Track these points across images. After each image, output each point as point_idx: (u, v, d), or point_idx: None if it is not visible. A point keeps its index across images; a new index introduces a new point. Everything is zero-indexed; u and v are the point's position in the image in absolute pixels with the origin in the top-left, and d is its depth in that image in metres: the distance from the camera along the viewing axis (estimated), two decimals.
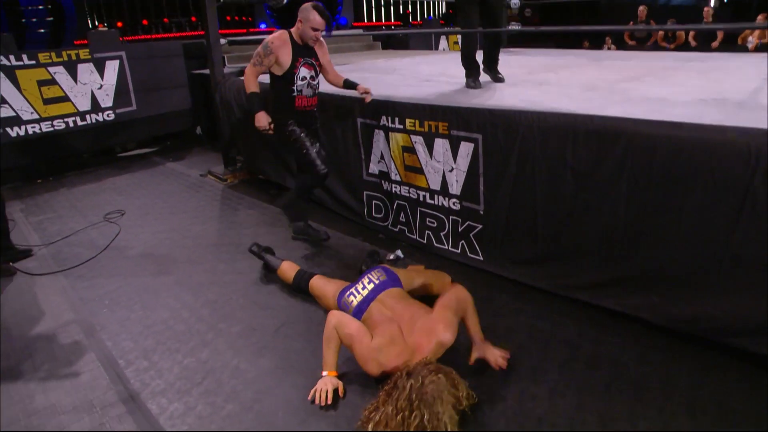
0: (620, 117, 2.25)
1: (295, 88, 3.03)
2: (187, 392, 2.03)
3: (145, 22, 10.39)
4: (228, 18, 11.34)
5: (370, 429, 1.69)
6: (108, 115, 5.36)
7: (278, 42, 2.95)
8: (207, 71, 5.79)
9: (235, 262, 3.12)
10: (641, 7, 8.64)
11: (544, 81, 3.73)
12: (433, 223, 3.11)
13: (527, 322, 2.42)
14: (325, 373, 2.01)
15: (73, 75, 5.02)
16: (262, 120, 3.04)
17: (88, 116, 5.19)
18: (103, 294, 2.82)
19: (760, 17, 8.24)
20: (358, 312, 2.19)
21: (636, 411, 1.85)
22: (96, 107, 5.25)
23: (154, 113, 5.76)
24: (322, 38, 3.07)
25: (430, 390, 1.65)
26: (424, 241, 3.20)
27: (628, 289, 2.32)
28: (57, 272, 3.08)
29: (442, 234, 3.09)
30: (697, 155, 2.01)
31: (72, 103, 5.06)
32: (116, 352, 2.32)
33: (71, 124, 5.07)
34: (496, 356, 2.06)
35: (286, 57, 2.96)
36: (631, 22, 8.74)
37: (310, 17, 2.91)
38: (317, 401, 1.94)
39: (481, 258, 2.92)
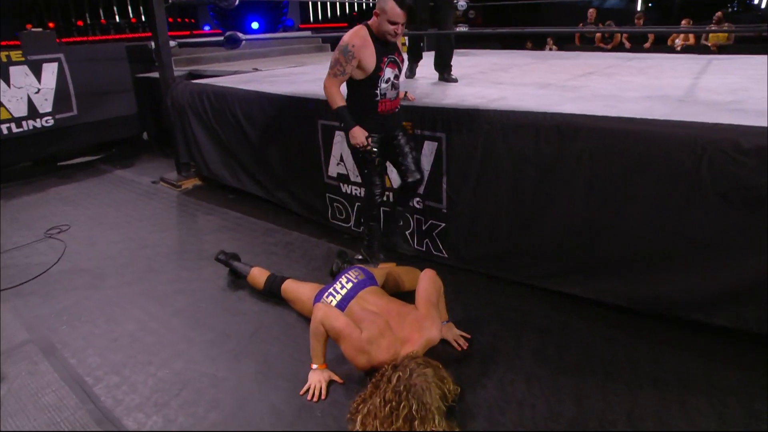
0: (579, 114, 2.38)
1: (378, 92, 2.56)
2: (166, 405, 1.97)
3: (80, 23, 9.86)
4: (171, 20, 10.95)
5: (358, 420, 1.71)
6: (47, 121, 5.06)
7: (359, 42, 2.45)
8: (153, 75, 5.62)
9: (199, 269, 3.04)
10: (591, 10, 9.11)
11: (499, 80, 3.86)
12: (400, 222, 3.15)
13: (498, 313, 2.51)
14: (315, 366, 2.02)
15: (5, 78, 4.70)
16: (359, 136, 2.53)
17: (24, 123, 4.88)
18: (60, 310, 2.67)
19: (684, 22, 8.88)
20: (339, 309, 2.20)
21: (607, 387, 1.97)
22: (33, 113, 4.93)
23: (97, 119, 5.48)
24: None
25: (418, 382, 1.69)
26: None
27: (592, 275, 2.45)
28: (5, 289, 2.89)
29: (407, 233, 3.14)
30: (649, 147, 2.16)
31: (5, 108, 4.74)
32: (82, 369, 2.21)
33: (5, 131, 4.74)
34: (457, 336, 2.22)
35: (369, 58, 2.48)
36: (581, 24, 9.16)
37: (387, 8, 2.41)
38: (310, 397, 1.94)
39: (446, 255, 2.99)
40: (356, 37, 2.47)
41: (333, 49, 2.59)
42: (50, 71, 5.03)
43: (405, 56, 2.87)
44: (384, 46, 2.53)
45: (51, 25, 9.46)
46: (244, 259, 2.93)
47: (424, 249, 3.09)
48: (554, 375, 2.06)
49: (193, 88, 4.32)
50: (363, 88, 2.56)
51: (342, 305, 2.20)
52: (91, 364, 2.24)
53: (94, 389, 2.08)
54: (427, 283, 2.16)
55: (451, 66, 3.86)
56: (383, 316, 2.06)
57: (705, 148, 2.04)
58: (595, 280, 2.44)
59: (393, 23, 2.44)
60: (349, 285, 2.27)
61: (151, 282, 2.91)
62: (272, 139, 3.70)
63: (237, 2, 4.36)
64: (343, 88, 2.58)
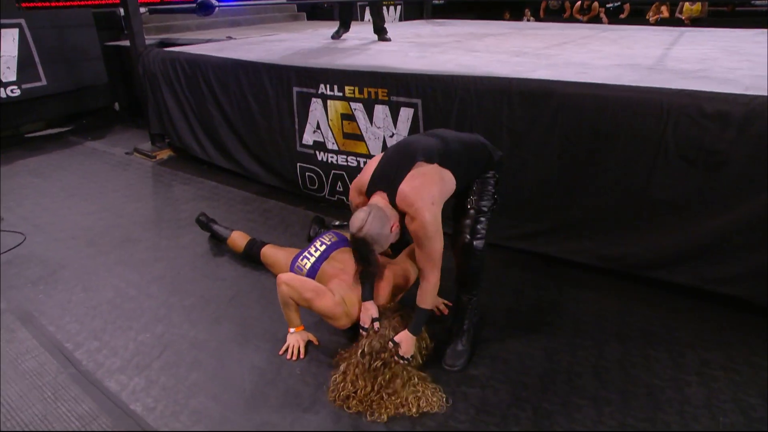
0: (551, 79, 2.43)
1: None
2: (147, 367, 2.00)
3: None
4: None
5: (342, 366, 1.81)
6: (12, 91, 4.89)
7: None
8: (123, 43, 5.44)
9: (177, 237, 3.04)
10: None
11: (474, 48, 3.87)
12: None
13: None
14: (292, 329, 2.07)
15: None
16: None
17: None
18: (36, 279, 2.65)
19: None
20: (312, 272, 2.25)
21: (575, 342, 2.08)
22: None
23: (66, 89, 5.31)
24: None
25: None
26: None
27: (564, 236, 2.55)
28: None
29: None
30: (618, 112, 2.23)
31: None
32: (61, 335, 2.22)
33: None
34: (438, 302, 2.28)
35: None
36: None
37: None
38: (289, 356, 2.00)
39: None
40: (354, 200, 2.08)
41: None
42: (11, 37, 4.83)
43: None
44: None
45: None
46: (221, 227, 2.93)
47: None
48: (526, 332, 2.16)
49: (166, 56, 4.21)
50: None
51: (316, 266, 2.25)
52: (70, 330, 2.25)
53: (75, 354, 2.10)
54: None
55: (385, 28, 4.49)
56: (349, 271, 2.11)
57: (670, 113, 2.11)
58: (567, 240, 2.54)
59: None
60: (323, 248, 2.31)
61: (128, 250, 2.90)
62: (247, 107, 3.66)
63: None
64: None
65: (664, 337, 2.11)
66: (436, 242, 1.78)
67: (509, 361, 1.99)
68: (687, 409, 1.75)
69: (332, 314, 1.96)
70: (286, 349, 2.04)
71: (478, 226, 1.93)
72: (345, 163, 3.25)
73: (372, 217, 1.75)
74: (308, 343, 2.08)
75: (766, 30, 4.91)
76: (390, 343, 1.83)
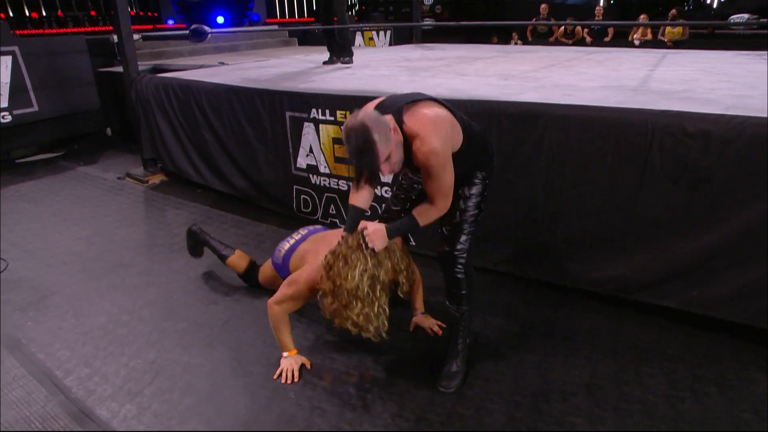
0: (538, 102, 2.48)
1: None
2: (139, 393, 1.98)
3: (34, 15, 9.46)
4: (132, 13, 10.68)
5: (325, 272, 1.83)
6: (3, 117, 4.90)
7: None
8: (116, 69, 5.50)
9: (170, 261, 3.03)
10: (543, 5, 9.30)
11: (463, 72, 3.95)
12: (368, 213, 3.19)
13: None
14: (285, 354, 2.06)
15: None
16: None
17: None
18: (25, 305, 2.63)
19: (642, 16, 9.20)
20: (290, 251, 2.31)
21: (568, 361, 2.09)
22: None
23: (58, 114, 5.34)
24: None
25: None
26: None
27: (552, 258, 2.56)
28: None
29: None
30: (604, 133, 2.28)
31: None
32: (51, 363, 2.19)
33: None
34: (432, 324, 2.29)
35: None
36: (534, 19, 9.36)
37: None
38: (284, 380, 2.00)
39: (413, 243, 3.06)
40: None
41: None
42: (4, 65, 4.87)
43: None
44: None
45: (1, 16, 9.04)
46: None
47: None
48: (518, 351, 2.16)
49: (159, 82, 4.26)
50: None
51: (294, 246, 2.32)
52: (60, 357, 2.22)
53: (65, 381, 2.07)
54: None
55: (350, 51, 4.72)
56: (317, 242, 2.22)
57: (655, 133, 2.16)
58: (556, 264, 2.56)
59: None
60: (304, 231, 2.42)
61: (120, 275, 2.89)
62: (241, 131, 3.70)
63: None
64: None
65: (657, 353, 2.12)
66: (446, 173, 1.67)
67: (503, 381, 1.99)
68: (681, 426, 1.75)
69: (318, 278, 1.91)
70: (281, 374, 2.03)
71: (462, 237, 1.87)
72: (337, 187, 3.28)
73: (369, 111, 1.65)
74: (302, 367, 2.07)
75: (744, 52, 5.06)
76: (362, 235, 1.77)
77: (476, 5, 14.73)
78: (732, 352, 2.11)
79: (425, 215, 1.77)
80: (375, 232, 1.78)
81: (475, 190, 1.89)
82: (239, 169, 3.83)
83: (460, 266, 1.90)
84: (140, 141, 4.57)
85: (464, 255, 1.89)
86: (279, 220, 3.61)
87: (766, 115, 2.05)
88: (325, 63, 4.74)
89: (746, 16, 3.71)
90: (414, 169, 1.79)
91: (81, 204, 4.05)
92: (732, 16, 3.90)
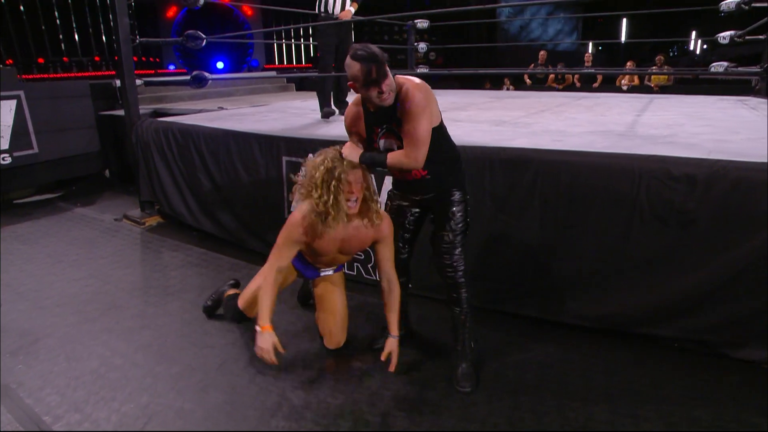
0: (529, 147, 2.57)
1: None
2: None
3: (41, 60, 9.74)
4: (135, 59, 10.98)
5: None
6: (4, 159, 4.97)
7: (349, 115, 2.18)
8: (117, 112, 5.63)
9: (165, 304, 3.02)
10: (542, 52, 9.70)
11: (457, 118, 4.08)
12: (361, 255, 3.22)
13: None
14: (259, 328, 2.16)
15: None
16: None
17: None
18: (15, 349, 2.60)
19: (629, 63, 9.56)
20: None
21: (563, 404, 2.07)
22: None
23: (58, 156, 5.42)
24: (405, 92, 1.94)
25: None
26: (354, 273, 3.30)
27: (548, 297, 2.59)
28: None
29: (369, 266, 3.22)
30: (593, 177, 2.35)
31: None
32: (40, 408, 2.15)
33: None
34: (393, 354, 2.21)
35: (362, 131, 2.16)
36: (532, 65, 9.71)
37: (350, 69, 1.92)
38: (269, 361, 2.14)
39: (410, 285, 3.07)
40: (348, 110, 2.18)
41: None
42: (8, 108, 4.98)
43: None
44: (377, 115, 2.03)
45: (9, 61, 9.31)
46: (210, 294, 2.93)
47: None
48: (514, 395, 2.15)
49: (159, 126, 4.36)
50: None
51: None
52: (49, 402, 2.18)
53: (53, 428, 2.03)
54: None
55: (346, 101, 4.35)
56: None
57: (642, 176, 2.24)
58: (551, 301, 2.58)
59: (365, 85, 1.89)
60: None
61: (114, 318, 2.87)
62: (237, 176, 3.76)
63: (204, 43, 4.48)
64: None
65: (652, 395, 2.11)
66: (423, 120, 1.90)
67: (499, 425, 1.97)
68: None
69: (299, 216, 2.14)
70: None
71: (457, 250, 2.17)
72: None
73: None
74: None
75: (726, 97, 5.25)
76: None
77: (469, 52, 15.25)
78: (730, 393, 2.11)
79: (395, 156, 2.01)
80: (350, 146, 2.10)
81: (459, 208, 2.16)
82: (233, 213, 3.86)
83: (460, 272, 2.20)
84: (138, 183, 4.63)
85: (462, 263, 2.19)
86: None
87: (746, 160, 2.14)
88: (325, 117, 4.31)
89: (725, 64, 3.88)
90: (395, 136, 2.03)
91: (77, 245, 4.06)
92: (712, 64, 4.08)
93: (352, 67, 1.89)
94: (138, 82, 4.51)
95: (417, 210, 2.30)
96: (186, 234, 4.25)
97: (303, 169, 2.18)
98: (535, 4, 16.44)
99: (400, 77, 1.98)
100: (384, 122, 2.04)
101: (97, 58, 10.40)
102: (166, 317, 2.88)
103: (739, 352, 2.31)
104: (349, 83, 1.98)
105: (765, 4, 4.03)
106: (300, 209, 2.17)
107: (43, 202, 5.49)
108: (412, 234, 2.37)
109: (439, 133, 2.09)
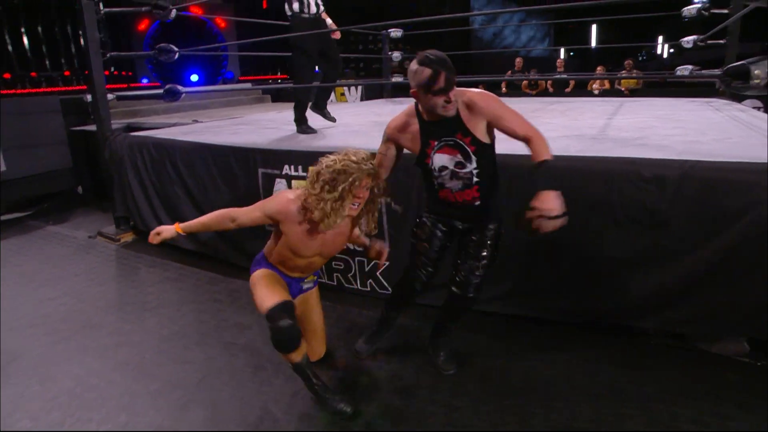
0: (505, 153, 2.59)
1: (435, 182, 2.10)
2: None
3: (7, 75, 9.50)
4: (107, 72, 10.81)
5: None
6: None
7: (394, 124, 2.12)
8: (89, 128, 5.52)
9: (142, 320, 2.96)
10: (518, 59, 9.88)
11: None
12: (340, 265, 3.21)
13: (444, 342, 2.59)
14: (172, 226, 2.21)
15: None
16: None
17: None
18: None
19: (599, 68, 9.79)
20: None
21: (548, 405, 2.09)
22: None
23: (28, 173, 5.29)
24: (469, 99, 1.93)
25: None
26: (334, 283, 3.28)
27: (531, 295, 2.64)
28: None
29: (349, 275, 3.21)
30: (568, 180, 2.38)
31: None
32: None
33: None
34: (381, 254, 2.30)
35: (411, 143, 2.09)
36: (509, 72, 9.88)
37: (418, 75, 1.85)
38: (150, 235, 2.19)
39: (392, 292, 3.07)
40: (395, 119, 2.11)
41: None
42: None
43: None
44: (435, 127, 1.98)
45: None
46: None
47: (369, 289, 3.15)
48: (499, 398, 2.15)
49: (133, 141, 4.29)
50: (421, 168, 2.13)
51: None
52: (21, 428, 2.11)
53: None
54: None
55: (327, 110, 4.25)
56: None
57: (614, 179, 2.29)
58: (534, 299, 2.62)
59: (433, 92, 1.83)
60: None
61: (90, 337, 2.80)
62: (214, 189, 3.72)
63: (176, 56, 4.44)
64: None
65: (634, 393, 2.14)
66: (507, 108, 1.91)
67: (482, 426, 1.98)
68: None
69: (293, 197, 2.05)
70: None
71: (475, 281, 2.12)
72: None
73: None
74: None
75: (694, 99, 5.41)
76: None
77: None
78: (708, 388, 2.15)
79: (541, 146, 1.91)
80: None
81: (492, 243, 2.16)
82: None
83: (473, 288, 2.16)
84: (113, 199, 4.54)
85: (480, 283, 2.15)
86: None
87: (715, 159, 2.20)
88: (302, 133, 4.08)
89: (690, 67, 4.01)
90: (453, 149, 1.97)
91: (50, 264, 3.96)
92: (678, 68, 4.21)
93: (421, 73, 1.82)
94: (110, 96, 4.44)
95: (449, 235, 2.19)
96: (162, 250, 4.17)
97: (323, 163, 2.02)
98: (506, 12, 16.76)
99: (457, 89, 1.91)
100: (442, 135, 1.97)
101: (67, 73, 10.20)
102: (144, 334, 2.82)
103: (715, 346, 2.37)
104: (411, 91, 1.92)
105: (724, 11, 4.19)
106: (295, 192, 2.09)
107: (13, 220, 5.33)
108: (439, 257, 2.22)
109: (493, 150, 2.04)
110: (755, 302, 2.17)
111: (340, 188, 1.92)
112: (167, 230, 2.19)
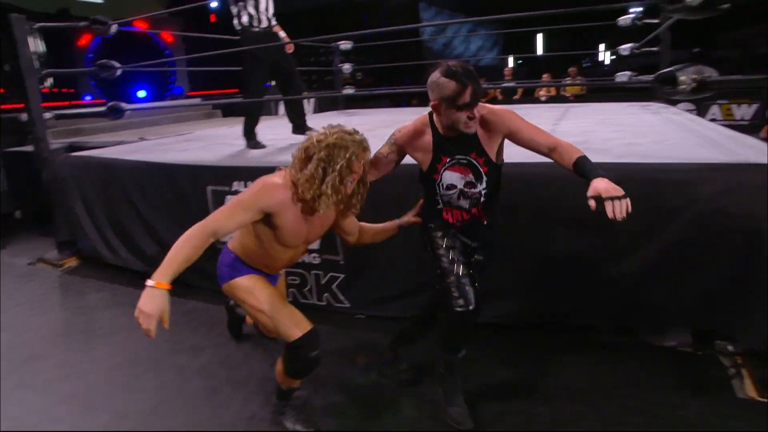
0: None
1: (439, 198, 1.99)
2: None
3: None
4: (46, 90, 10.34)
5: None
6: None
7: (406, 131, 2.01)
8: (26, 148, 5.25)
9: (90, 349, 2.82)
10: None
11: (385, 136, 4.12)
12: (296, 280, 3.16)
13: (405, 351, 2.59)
14: (152, 282, 1.58)
15: None
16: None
17: None
18: None
19: (545, 76, 10.15)
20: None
21: (505, 407, 2.12)
22: None
23: None
24: (492, 114, 1.88)
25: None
26: (290, 299, 3.23)
27: (488, 300, 2.65)
28: None
29: (305, 290, 3.17)
30: (514, 186, 2.43)
31: None
32: None
33: None
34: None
35: (422, 155, 1.98)
36: None
37: (446, 88, 1.75)
38: (143, 328, 1.54)
39: (348, 305, 3.05)
40: (408, 126, 1.99)
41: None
42: None
43: None
44: (450, 143, 1.88)
45: None
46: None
47: (324, 303, 3.12)
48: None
49: (75, 161, 4.11)
50: (425, 182, 2.01)
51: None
52: None
53: None
54: None
55: (307, 126, 4.11)
56: None
57: (558, 182, 2.37)
58: (492, 305, 2.64)
59: (457, 107, 1.74)
60: None
61: (32, 371, 2.63)
62: (163, 209, 3.60)
63: (118, 73, 4.30)
64: None
65: (588, 391, 2.20)
66: (524, 120, 1.87)
67: None
68: None
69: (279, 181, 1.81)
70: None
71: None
72: None
73: None
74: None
75: (634, 103, 5.68)
76: None
77: (398, 71, 15.60)
78: (658, 380, 2.24)
79: (571, 152, 1.86)
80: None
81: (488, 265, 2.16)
82: (161, 246, 3.68)
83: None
84: (55, 223, 4.33)
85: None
86: (207, 295, 3.44)
87: (652, 161, 2.32)
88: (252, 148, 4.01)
89: (629, 73, 4.24)
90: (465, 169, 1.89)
91: None
92: (617, 74, 4.42)
93: (446, 86, 1.72)
94: (47, 115, 4.25)
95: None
96: (110, 273, 4.00)
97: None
98: (456, 23, 17.16)
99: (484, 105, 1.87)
100: (456, 153, 1.88)
101: (1, 90, 9.68)
102: (92, 363, 2.68)
103: (662, 339, 2.47)
104: (432, 103, 1.81)
105: (655, 20, 4.44)
106: (279, 174, 1.84)
107: None
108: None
109: (500, 170, 1.97)
110: (696, 294, 2.29)
111: (338, 164, 1.72)
112: (155, 302, 1.59)
